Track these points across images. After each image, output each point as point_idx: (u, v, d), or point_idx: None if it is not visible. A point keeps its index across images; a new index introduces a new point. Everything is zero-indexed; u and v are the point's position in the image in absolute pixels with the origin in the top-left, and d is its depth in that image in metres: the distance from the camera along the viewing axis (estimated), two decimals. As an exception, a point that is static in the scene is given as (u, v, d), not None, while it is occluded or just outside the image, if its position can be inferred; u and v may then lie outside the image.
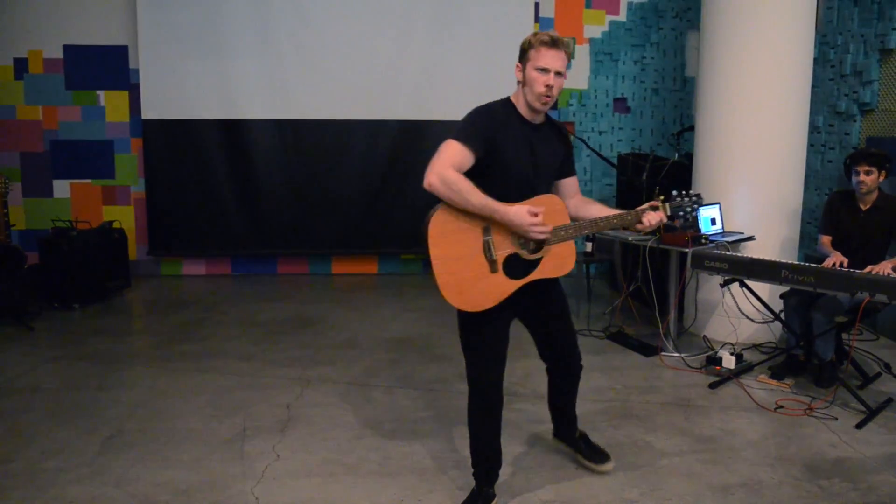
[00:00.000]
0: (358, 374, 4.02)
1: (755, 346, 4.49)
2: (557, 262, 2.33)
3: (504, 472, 2.79)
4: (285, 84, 6.40)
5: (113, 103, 6.50)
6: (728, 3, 4.52)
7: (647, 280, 4.52)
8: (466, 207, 2.24)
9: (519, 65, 2.39)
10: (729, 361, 3.99)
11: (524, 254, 2.32)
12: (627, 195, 5.53)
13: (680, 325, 4.74)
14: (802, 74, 4.54)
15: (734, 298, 4.17)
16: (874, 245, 3.87)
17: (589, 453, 2.85)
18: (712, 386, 3.84)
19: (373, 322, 5.16)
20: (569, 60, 2.39)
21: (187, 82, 6.32)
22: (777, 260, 3.73)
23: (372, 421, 3.35)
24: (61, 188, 6.57)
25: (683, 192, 2.51)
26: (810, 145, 5.61)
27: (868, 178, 3.80)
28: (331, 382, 3.88)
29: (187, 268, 6.82)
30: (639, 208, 2.48)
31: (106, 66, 6.43)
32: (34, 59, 6.38)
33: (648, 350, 4.40)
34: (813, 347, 3.79)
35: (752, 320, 4.28)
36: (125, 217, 6.57)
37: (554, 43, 2.30)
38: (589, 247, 5.29)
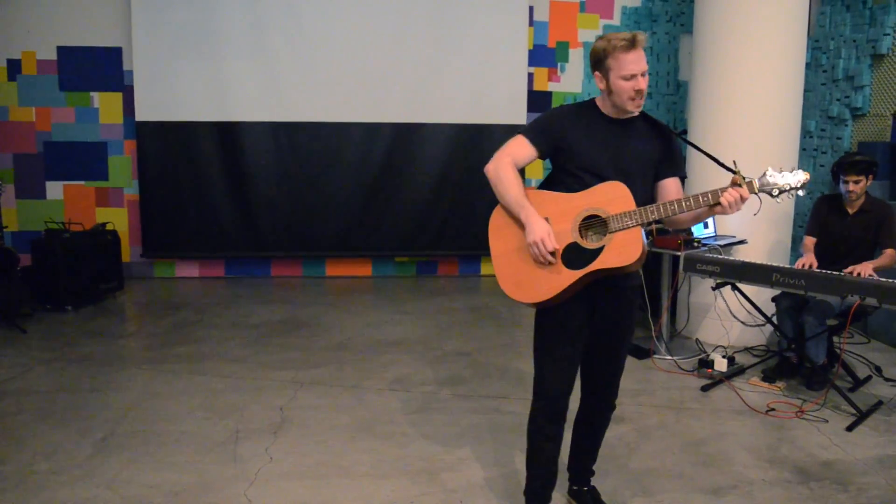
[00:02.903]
0: (351, 376, 4.03)
1: (747, 349, 4.51)
2: (619, 251, 2.13)
3: (500, 473, 2.80)
4: (279, 86, 6.40)
5: (107, 105, 6.49)
6: (721, 7, 4.55)
7: (640, 283, 4.53)
8: (502, 201, 2.24)
9: (598, 74, 2.20)
10: (721, 364, 4.01)
11: (584, 243, 2.19)
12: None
13: (672, 328, 4.76)
14: (795, 79, 4.57)
15: (726, 302, 4.19)
16: (862, 248, 3.90)
17: None
18: (704, 388, 3.86)
19: (366, 324, 5.16)
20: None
21: (181, 84, 6.32)
22: (769, 263, 3.76)
23: (365, 423, 3.36)
24: (54, 190, 6.55)
25: (781, 170, 2.27)
26: (802, 150, 5.65)
27: (857, 187, 3.83)
28: (324, 385, 3.88)
29: (181, 270, 6.81)
30: (720, 188, 2.19)
31: (100, 68, 6.42)
32: (28, 60, 6.37)
33: (641, 353, 4.41)
34: (804, 350, 3.81)
35: (744, 323, 4.31)
36: (118, 219, 6.56)
37: (632, 44, 2.11)
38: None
